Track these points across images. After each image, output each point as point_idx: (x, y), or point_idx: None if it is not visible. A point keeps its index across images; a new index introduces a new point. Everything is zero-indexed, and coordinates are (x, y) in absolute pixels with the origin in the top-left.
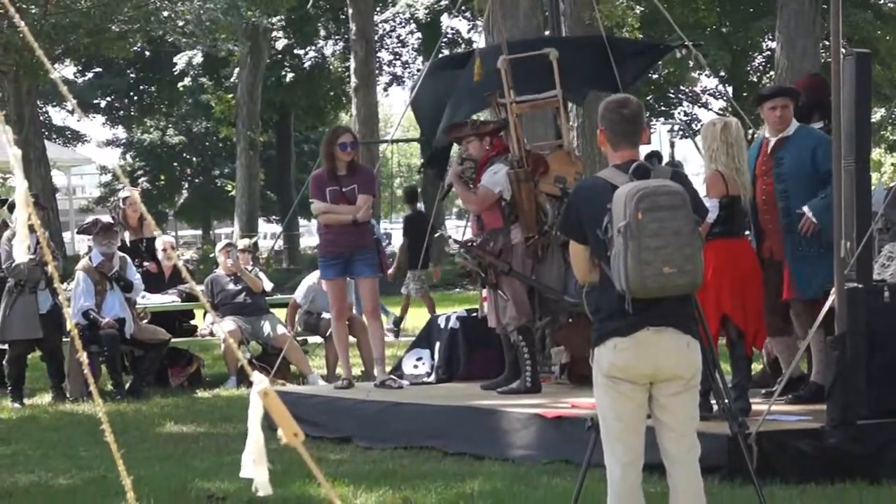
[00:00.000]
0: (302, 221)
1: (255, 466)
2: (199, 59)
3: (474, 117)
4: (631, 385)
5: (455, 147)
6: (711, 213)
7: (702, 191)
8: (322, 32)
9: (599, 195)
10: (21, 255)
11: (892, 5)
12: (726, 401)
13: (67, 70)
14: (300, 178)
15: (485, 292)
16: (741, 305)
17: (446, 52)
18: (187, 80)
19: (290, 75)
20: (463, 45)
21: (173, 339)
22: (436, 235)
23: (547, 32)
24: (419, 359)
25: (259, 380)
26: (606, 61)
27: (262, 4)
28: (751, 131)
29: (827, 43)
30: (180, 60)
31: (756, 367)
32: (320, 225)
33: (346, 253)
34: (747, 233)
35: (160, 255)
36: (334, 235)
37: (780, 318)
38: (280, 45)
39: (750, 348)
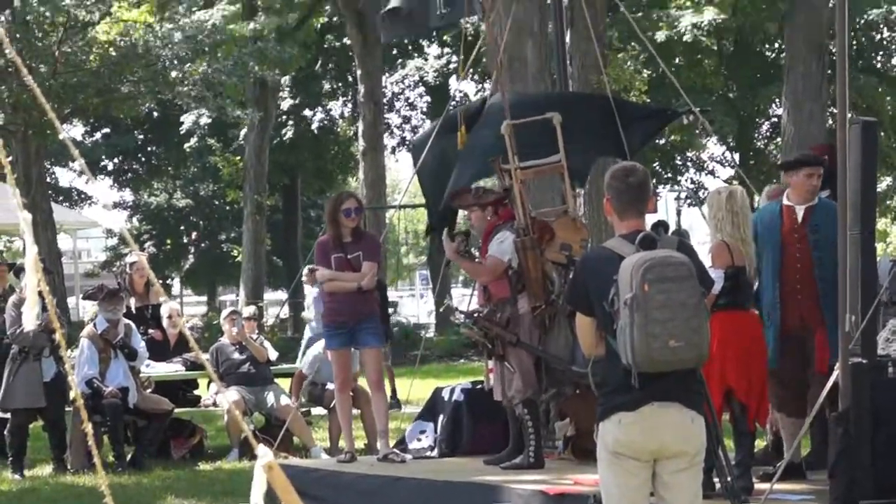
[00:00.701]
0: (308, 289)
1: None
2: (205, 119)
3: (479, 184)
4: (635, 462)
5: (461, 213)
6: (717, 284)
7: (707, 261)
8: (330, 92)
9: (606, 266)
10: (30, 322)
11: None
12: (729, 479)
13: (75, 130)
14: (307, 245)
15: (491, 364)
16: (746, 379)
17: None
18: (194, 141)
19: (297, 136)
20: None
21: (176, 410)
22: (441, 308)
23: None
24: (422, 432)
25: (263, 453)
26: (613, 125)
27: (271, 63)
28: (756, 197)
29: (834, 109)
30: (187, 120)
31: (759, 443)
32: (324, 293)
33: (351, 322)
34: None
35: (165, 322)
36: (338, 304)
37: (793, 394)
38: (287, 104)
39: (753, 423)
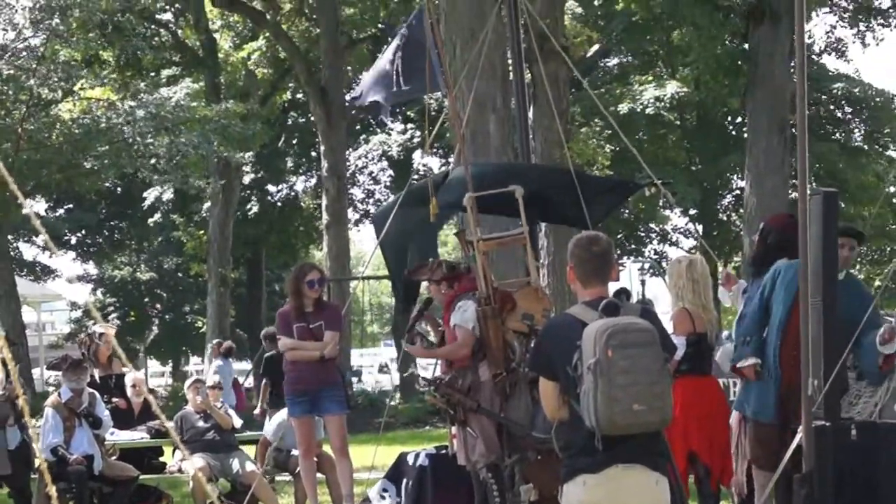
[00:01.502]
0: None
1: None
2: (168, 194)
3: (431, 259)
4: None
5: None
6: (679, 351)
7: (669, 328)
8: (293, 168)
9: (569, 332)
10: None
11: (858, 140)
12: None
13: (39, 206)
14: (271, 317)
15: (454, 429)
16: (708, 442)
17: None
18: (157, 216)
19: (261, 210)
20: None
21: (142, 476)
22: (405, 374)
23: None
24: (385, 490)
25: None
26: (576, 198)
27: (234, 141)
28: (720, 267)
29: (795, 182)
30: (150, 195)
31: None
32: (287, 362)
33: (313, 390)
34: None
35: (129, 391)
36: (300, 372)
37: (771, 450)
38: (250, 179)
39: (717, 485)
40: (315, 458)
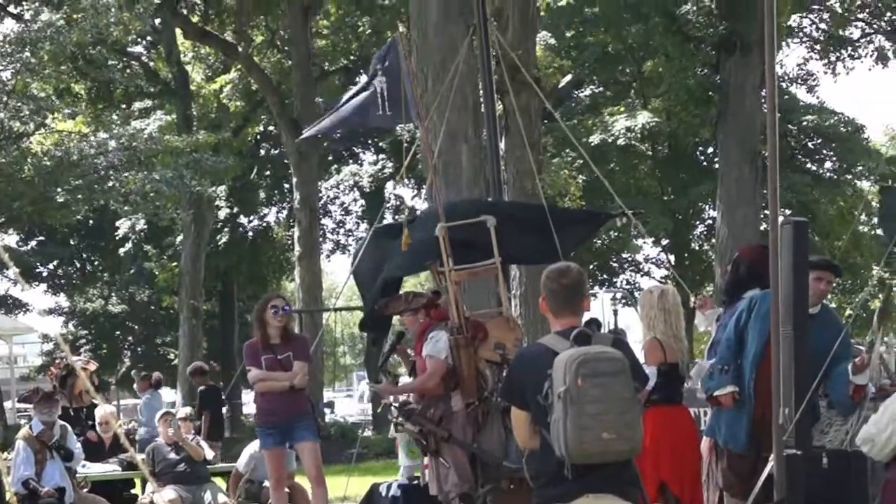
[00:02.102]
0: (245, 391)
1: None
2: (141, 224)
3: (407, 290)
4: None
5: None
6: (650, 380)
7: (641, 357)
8: (265, 200)
9: (540, 361)
10: None
11: (829, 171)
12: None
13: (10, 238)
14: (242, 348)
15: (426, 459)
16: (678, 472)
17: (389, 218)
18: (129, 246)
19: (232, 242)
20: (406, 212)
21: None
22: (378, 409)
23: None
24: None
25: None
26: (547, 230)
27: (207, 174)
28: (691, 298)
29: (767, 212)
30: (122, 225)
31: None
32: (257, 394)
33: (284, 420)
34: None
35: (98, 428)
36: (269, 403)
37: (742, 479)
38: (224, 213)
39: None
40: (287, 490)
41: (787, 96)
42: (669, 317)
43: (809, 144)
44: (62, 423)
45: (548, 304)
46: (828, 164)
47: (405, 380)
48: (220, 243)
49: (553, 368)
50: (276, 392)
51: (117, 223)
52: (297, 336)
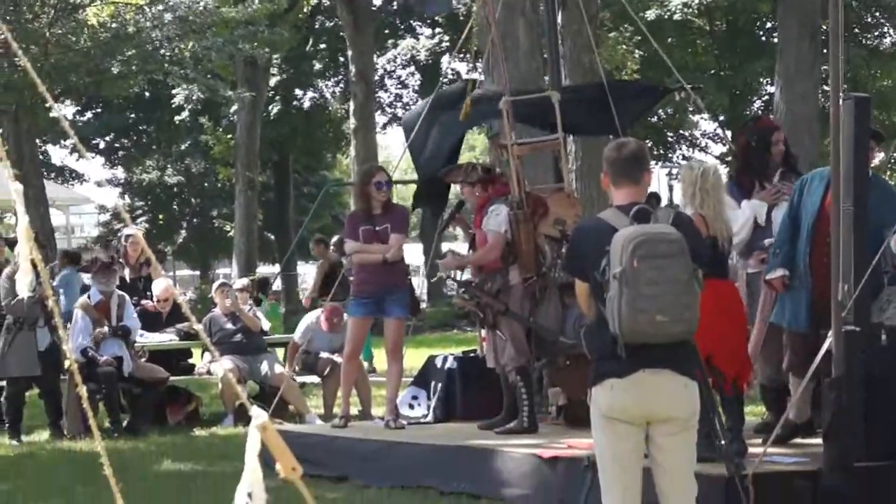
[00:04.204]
0: (299, 262)
1: (251, 500)
2: (196, 95)
3: (467, 161)
4: (628, 426)
5: (454, 187)
6: None
7: None
8: (321, 72)
9: (599, 236)
10: (24, 289)
11: (888, 43)
12: (722, 441)
13: (67, 110)
14: (299, 220)
15: (484, 332)
16: (723, 347)
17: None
18: (184, 115)
19: (288, 113)
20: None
21: (171, 378)
22: (433, 279)
23: (546, 78)
24: (415, 398)
25: (258, 414)
26: (605, 105)
27: (261, 42)
28: None
29: (826, 88)
30: (177, 99)
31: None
32: (353, 265)
33: (379, 293)
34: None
35: (157, 303)
36: (367, 275)
37: (803, 358)
38: (276, 81)
39: (732, 390)
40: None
41: None
42: (707, 198)
43: (868, 18)
44: (120, 293)
45: (609, 176)
46: (887, 40)
47: (460, 249)
48: (272, 114)
49: (611, 246)
50: (370, 264)
51: (173, 92)
52: (396, 208)
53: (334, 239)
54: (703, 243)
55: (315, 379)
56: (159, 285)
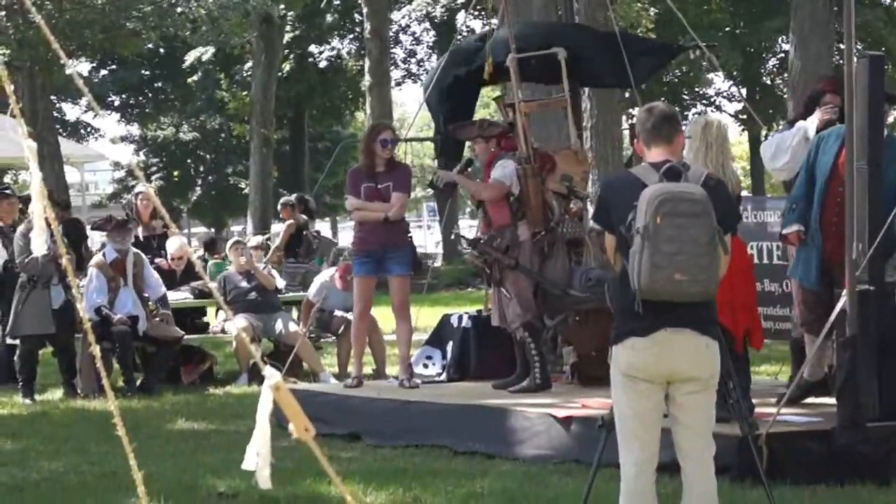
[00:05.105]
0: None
1: (259, 459)
2: (209, 55)
3: (482, 117)
4: (648, 384)
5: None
6: None
7: None
8: (335, 26)
9: (629, 191)
10: (39, 247)
11: None
12: (736, 400)
13: (82, 67)
14: (314, 177)
15: (491, 291)
16: (731, 305)
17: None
18: (198, 76)
19: (303, 70)
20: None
21: (186, 336)
22: (452, 236)
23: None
24: (429, 357)
25: (271, 374)
26: (620, 58)
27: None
28: (763, 131)
29: (841, 46)
30: (191, 56)
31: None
32: (354, 222)
33: (379, 251)
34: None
35: (172, 262)
36: (366, 233)
37: (819, 315)
38: (290, 38)
39: (741, 347)
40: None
41: None
42: (710, 151)
43: None
44: (136, 250)
45: (641, 140)
46: None
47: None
48: (287, 71)
49: (639, 201)
50: (371, 222)
51: (186, 55)
52: (400, 166)
53: (293, 198)
54: (734, 208)
55: (330, 338)
56: (173, 244)
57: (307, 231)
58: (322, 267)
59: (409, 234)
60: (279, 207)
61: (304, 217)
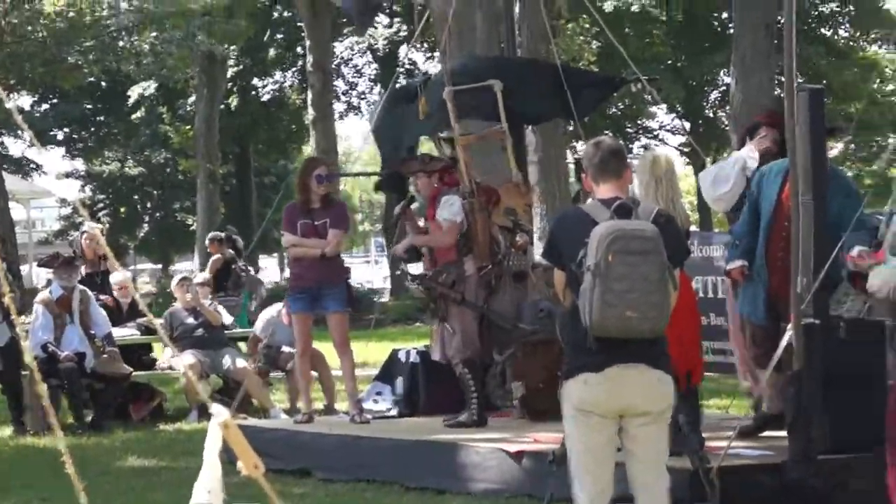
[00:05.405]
0: (262, 256)
1: (210, 496)
2: (152, 90)
3: (424, 152)
4: (601, 418)
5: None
6: None
7: None
8: (277, 60)
9: (579, 228)
10: None
11: (843, 39)
12: (686, 435)
13: (24, 100)
14: (262, 212)
15: (435, 326)
16: (677, 341)
17: (403, 81)
18: (141, 112)
19: (246, 104)
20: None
21: (134, 373)
22: (397, 272)
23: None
24: (379, 393)
25: (218, 411)
26: (561, 90)
27: (219, 34)
28: (708, 162)
29: (782, 78)
30: (134, 92)
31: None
32: (290, 259)
33: (314, 287)
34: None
35: (115, 293)
36: (302, 269)
37: (766, 350)
38: (233, 73)
39: (685, 383)
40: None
41: None
42: (660, 186)
43: (824, 9)
44: (83, 287)
45: (590, 176)
46: (842, 32)
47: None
48: (232, 105)
49: (590, 238)
50: (308, 258)
51: (129, 91)
52: (336, 202)
53: (221, 235)
54: (684, 244)
55: (280, 374)
56: (116, 277)
57: (235, 265)
58: (251, 302)
59: (348, 270)
60: (206, 242)
61: (231, 252)
